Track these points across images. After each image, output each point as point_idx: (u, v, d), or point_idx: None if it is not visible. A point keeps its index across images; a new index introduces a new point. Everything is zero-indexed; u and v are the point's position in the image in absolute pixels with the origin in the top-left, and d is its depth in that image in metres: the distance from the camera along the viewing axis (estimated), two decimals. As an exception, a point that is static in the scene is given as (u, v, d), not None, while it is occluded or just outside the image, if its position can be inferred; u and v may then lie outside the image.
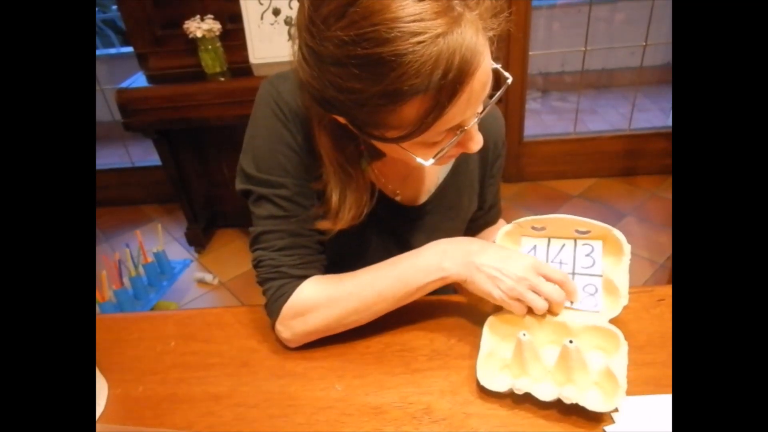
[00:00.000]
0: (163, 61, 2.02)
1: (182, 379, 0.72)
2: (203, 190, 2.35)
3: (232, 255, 2.27)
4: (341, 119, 0.59)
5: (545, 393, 0.61)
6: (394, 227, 0.80)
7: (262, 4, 1.81)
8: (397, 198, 0.79)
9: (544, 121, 3.17)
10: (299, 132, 0.68)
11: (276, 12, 1.81)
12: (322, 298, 0.70)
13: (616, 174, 2.54)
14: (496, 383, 0.63)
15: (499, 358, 0.67)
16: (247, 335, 0.78)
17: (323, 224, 0.70)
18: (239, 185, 0.73)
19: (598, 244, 0.71)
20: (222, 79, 1.87)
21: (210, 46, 1.82)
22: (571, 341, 0.60)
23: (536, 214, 0.73)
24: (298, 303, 0.70)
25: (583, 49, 2.45)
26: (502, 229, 0.73)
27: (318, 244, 0.74)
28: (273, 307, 0.72)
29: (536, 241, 0.73)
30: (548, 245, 0.73)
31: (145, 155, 2.71)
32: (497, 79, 0.57)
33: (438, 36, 0.47)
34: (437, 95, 0.50)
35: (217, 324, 0.81)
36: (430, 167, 0.78)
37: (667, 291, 0.79)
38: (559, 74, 3.52)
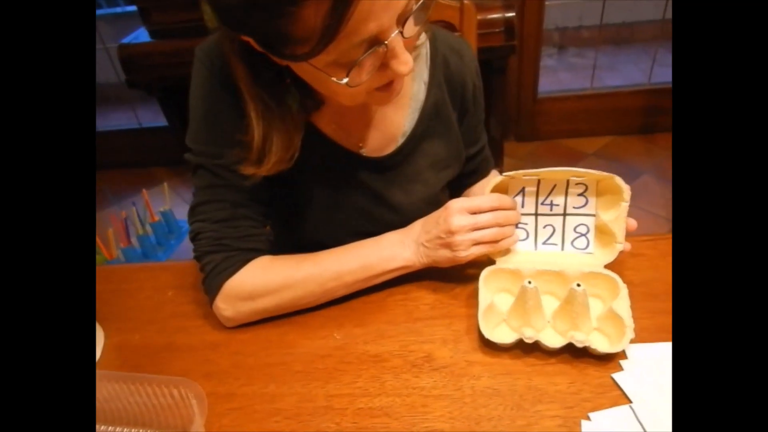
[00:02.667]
0: (166, 15, 1.96)
1: (180, 328, 0.71)
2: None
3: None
4: (251, 41, 0.53)
5: (554, 340, 0.59)
6: (366, 182, 0.75)
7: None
8: (363, 152, 0.73)
9: (560, 78, 3.06)
10: (235, 94, 0.62)
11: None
12: (276, 279, 0.67)
13: (635, 131, 2.45)
14: (501, 335, 0.60)
15: (497, 312, 0.64)
16: (245, 285, 0.76)
17: (246, 168, 0.63)
18: (186, 157, 0.68)
19: (591, 184, 0.66)
20: (225, 33, 1.81)
21: (212, -2, 1.75)
22: (578, 284, 0.57)
23: None
24: (247, 281, 0.66)
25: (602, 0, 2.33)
26: (492, 181, 0.68)
27: (263, 215, 0.71)
28: (213, 283, 0.66)
29: (525, 185, 0.68)
30: (538, 188, 0.67)
31: (154, 118, 2.68)
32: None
33: None
34: None
35: (215, 274, 0.79)
36: (393, 112, 0.73)
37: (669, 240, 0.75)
38: (576, 29, 3.38)
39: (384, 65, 0.53)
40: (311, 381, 0.61)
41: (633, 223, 0.66)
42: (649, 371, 0.56)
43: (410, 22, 0.52)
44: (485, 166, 0.89)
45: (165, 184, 1.81)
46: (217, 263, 0.67)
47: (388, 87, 0.58)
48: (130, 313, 0.75)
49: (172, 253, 1.80)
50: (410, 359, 0.62)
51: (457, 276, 0.71)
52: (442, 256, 0.65)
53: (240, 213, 0.68)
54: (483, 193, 0.68)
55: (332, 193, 0.74)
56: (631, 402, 0.53)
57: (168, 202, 1.81)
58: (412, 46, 0.55)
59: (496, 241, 0.66)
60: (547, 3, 2.17)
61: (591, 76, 2.55)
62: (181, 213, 2.13)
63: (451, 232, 0.64)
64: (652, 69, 2.43)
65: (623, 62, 3.12)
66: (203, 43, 0.67)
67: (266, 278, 0.67)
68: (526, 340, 0.58)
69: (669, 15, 2.40)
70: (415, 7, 0.51)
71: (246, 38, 0.53)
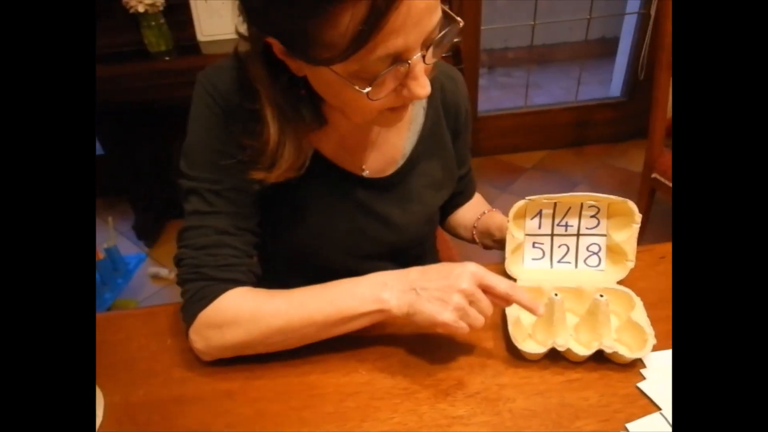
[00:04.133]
0: (100, 39, 1.85)
1: (187, 378, 0.67)
2: (151, 178, 2.20)
3: (187, 246, 2.16)
4: (276, 46, 0.54)
5: (579, 350, 0.62)
6: (366, 203, 0.76)
7: (208, -24, 1.69)
8: (365, 174, 0.75)
9: (491, 96, 3.21)
10: (236, 124, 0.64)
11: (224, -15, 1.71)
12: (245, 311, 0.63)
13: (567, 145, 2.62)
14: (533, 348, 0.63)
15: (522, 327, 0.66)
16: (252, 325, 0.73)
17: (257, 173, 0.64)
18: (178, 181, 0.68)
19: (603, 207, 0.71)
20: (167, 58, 1.74)
21: (153, 23, 1.68)
22: (601, 295, 0.61)
23: (495, 188, 0.74)
24: (219, 312, 0.64)
25: (532, 23, 2.48)
26: (514, 207, 0.71)
27: (249, 246, 0.69)
28: (189, 312, 0.65)
29: (542, 208, 0.73)
30: (554, 210, 0.73)
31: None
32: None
33: None
34: (372, 0, 0.45)
35: (215, 316, 0.75)
36: (394, 135, 0.76)
37: (666, 248, 0.81)
38: (503, 50, 3.57)
39: (402, 86, 0.55)
40: (346, 421, 0.60)
41: None
42: (668, 376, 0.60)
43: (432, 50, 0.54)
44: (471, 188, 0.93)
45: (110, 219, 1.69)
46: (193, 292, 0.65)
47: (398, 109, 0.60)
48: (126, 367, 0.69)
49: (121, 292, 1.68)
50: (442, 388, 0.62)
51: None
52: (429, 310, 0.60)
53: (223, 241, 0.66)
54: (474, 216, 0.71)
55: (333, 214, 0.75)
56: (660, 409, 0.57)
57: (113, 238, 1.69)
58: (429, 74, 0.57)
59: (469, 325, 0.61)
60: (482, 28, 2.29)
61: (522, 94, 2.70)
62: (125, 248, 2.00)
63: (456, 291, 0.59)
64: (578, 87, 2.62)
65: (546, 80, 3.33)
66: (206, 68, 0.67)
67: (236, 309, 0.64)
68: (559, 348, 0.61)
69: (591, 36, 2.60)
70: (438, 36, 0.53)
71: (270, 41, 0.54)
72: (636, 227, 0.69)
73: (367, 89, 0.52)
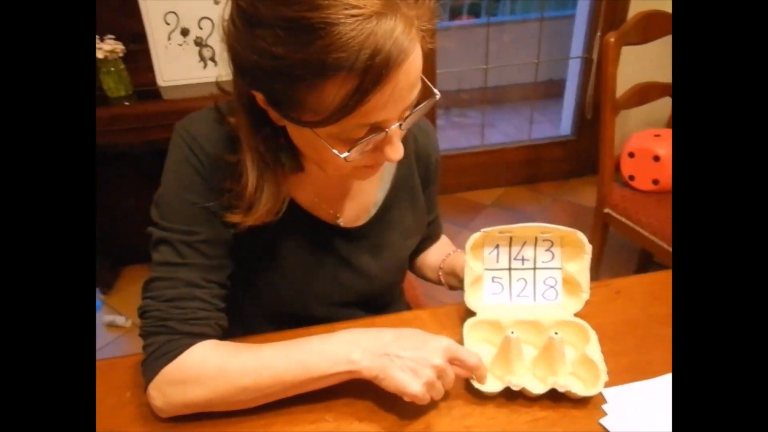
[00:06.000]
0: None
1: (150, 434, 0.65)
2: (106, 224, 2.14)
3: (144, 293, 2.09)
4: (260, 97, 0.56)
5: (537, 387, 0.63)
6: (339, 251, 0.78)
7: (168, 23, 1.70)
8: (339, 222, 0.77)
9: (449, 136, 3.32)
10: (213, 176, 0.65)
11: (185, 32, 1.72)
12: (209, 368, 0.62)
13: (522, 181, 2.71)
14: (488, 385, 0.64)
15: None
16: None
17: (234, 217, 0.64)
18: (149, 230, 0.68)
19: (556, 240, 0.75)
20: (127, 103, 1.73)
21: (112, 68, 1.67)
22: (556, 333, 0.64)
23: (456, 225, 0.77)
24: (182, 369, 0.62)
25: (485, 66, 2.60)
26: (470, 239, 0.74)
27: (218, 299, 0.67)
28: (151, 366, 0.62)
29: (499, 241, 0.76)
30: (510, 243, 0.75)
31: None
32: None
33: (372, 15, 0.46)
34: (362, 77, 0.48)
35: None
36: (368, 185, 0.78)
37: (622, 283, 0.85)
38: (456, 92, 3.71)
39: (377, 148, 0.58)
40: (315, 472, 0.59)
41: None
42: (630, 412, 0.62)
43: (408, 119, 0.57)
44: (438, 231, 0.95)
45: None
46: (157, 346, 0.63)
47: (372, 166, 0.63)
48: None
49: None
50: (410, 432, 0.62)
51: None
52: (399, 379, 0.59)
53: (192, 293, 0.65)
54: (439, 258, 0.72)
55: (307, 262, 0.76)
56: (621, 443, 0.59)
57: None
58: (402, 136, 0.60)
59: (431, 398, 0.62)
60: (438, 72, 2.38)
61: (476, 134, 2.80)
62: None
63: (429, 365, 0.60)
64: (531, 126, 2.74)
65: (499, 120, 3.47)
66: (184, 119, 0.67)
67: (200, 366, 0.62)
68: (513, 387, 0.63)
69: (540, 78, 2.75)
70: (415, 109, 0.56)
71: (255, 93, 0.56)
72: (587, 257, 0.72)
73: (345, 154, 0.55)
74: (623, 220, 1.62)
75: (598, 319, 0.76)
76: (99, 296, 2.08)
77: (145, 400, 0.68)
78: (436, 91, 0.59)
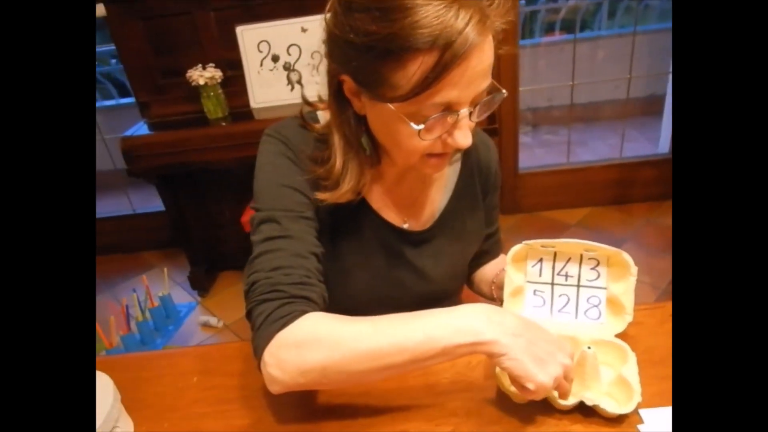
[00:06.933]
0: (164, 108, 2.07)
1: (205, 414, 0.72)
2: (205, 233, 2.36)
3: (236, 297, 2.27)
4: (347, 83, 0.64)
5: (566, 399, 0.63)
6: (404, 254, 0.83)
7: (261, 51, 1.88)
8: (405, 226, 0.82)
9: (536, 154, 3.24)
10: (306, 167, 0.72)
11: (275, 59, 1.88)
12: (326, 331, 0.60)
13: (610, 202, 2.58)
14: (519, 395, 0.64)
15: None
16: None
17: (322, 194, 0.71)
18: (249, 223, 0.73)
19: (602, 259, 0.73)
20: (224, 123, 1.92)
21: (212, 93, 1.87)
22: (589, 347, 0.63)
23: None
24: (297, 332, 0.61)
25: (571, 83, 2.53)
26: (512, 249, 0.75)
27: (318, 273, 0.69)
28: (265, 333, 0.61)
29: (543, 255, 0.75)
30: (554, 259, 0.75)
31: (143, 202, 2.74)
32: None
33: (454, 3, 0.54)
34: (440, 55, 0.54)
35: (236, 357, 0.81)
36: (433, 191, 0.83)
37: (678, 305, 0.81)
38: (547, 109, 3.62)
39: (447, 134, 0.63)
40: (344, 460, 0.63)
41: None
42: (665, 434, 0.60)
43: (478, 109, 0.62)
44: (497, 248, 0.97)
45: (165, 269, 1.83)
46: (270, 312, 0.62)
47: (440, 156, 0.68)
48: (154, 401, 0.76)
49: (170, 339, 1.79)
50: (438, 434, 0.64)
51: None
52: (528, 364, 0.56)
53: (297, 262, 0.66)
54: (495, 272, 0.74)
55: (375, 262, 0.81)
56: (652, 464, 0.57)
57: (166, 287, 1.82)
58: (471, 131, 0.65)
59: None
60: (521, 88, 2.36)
61: (566, 152, 2.71)
62: (179, 297, 2.13)
63: (560, 363, 0.58)
64: (622, 144, 2.61)
65: (592, 139, 3.33)
66: (270, 127, 0.76)
67: (317, 329, 0.61)
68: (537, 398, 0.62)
69: (632, 95, 2.62)
70: (484, 100, 0.62)
71: (344, 78, 0.64)
72: (632, 280, 0.70)
73: (421, 126, 0.61)
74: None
75: (646, 342, 0.74)
76: (196, 298, 2.28)
77: (207, 385, 0.77)
78: (503, 90, 0.64)
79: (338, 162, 0.70)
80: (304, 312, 0.62)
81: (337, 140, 0.70)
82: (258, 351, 0.62)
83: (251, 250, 0.69)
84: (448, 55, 0.54)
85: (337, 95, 0.68)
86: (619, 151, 2.62)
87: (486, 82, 0.60)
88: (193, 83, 1.86)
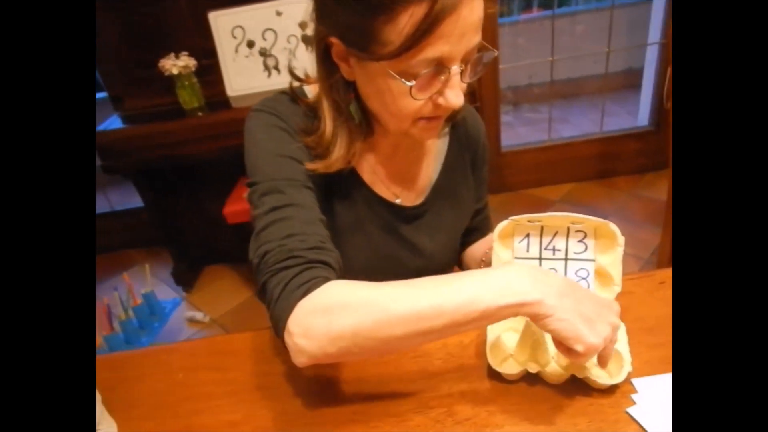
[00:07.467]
0: (138, 101, 2.01)
1: (195, 411, 0.71)
2: (187, 227, 2.32)
3: (222, 291, 2.24)
4: (336, 46, 0.62)
5: (557, 373, 0.62)
6: (395, 229, 0.82)
7: (235, 37, 1.83)
8: (398, 201, 0.81)
9: (519, 133, 3.24)
10: (300, 138, 0.70)
11: (250, 44, 1.84)
12: (357, 294, 0.55)
13: (593, 177, 2.60)
14: (507, 367, 0.64)
15: (504, 348, 0.68)
16: (257, 360, 0.77)
17: (312, 164, 0.68)
18: (248, 199, 0.69)
19: (589, 231, 0.72)
20: (200, 113, 1.87)
21: (186, 83, 1.82)
22: None
23: None
24: (324, 297, 0.56)
25: (551, 59, 2.52)
26: (498, 226, 0.74)
27: (329, 239, 0.64)
28: (286, 303, 0.56)
29: (530, 230, 0.74)
30: (541, 234, 0.73)
31: (122, 199, 2.68)
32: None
33: None
34: (432, 4, 0.53)
35: (224, 352, 0.80)
36: (424, 165, 0.82)
37: (667, 274, 0.80)
38: (527, 87, 3.62)
39: (438, 94, 0.61)
40: (338, 448, 0.61)
41: None
42: (659, 402, 0.59)
43: (469, 68, 0.61)
44: (486, 226, 0.96)
45: (147, 266, 1.79)
46: (289, 279, 0.57)
47: (431, 120, 0.66)
48: (139, 400, 0.74)
49: (156, 336, 1.76)
50: (432, 416, 0.63)
51: (464, 329, 0.74)
52: (578, 325, 0.52)
53: (309, 229, 0.62)
54: (483, 250, 0.73)
55: (370, 237, 0.80)
56: (648, 434, 0.56)
57: (150, 284, 1.78)
58: (462, 91, 0.62)
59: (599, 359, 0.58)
60: (501, 66, 2.34)
61: (548, 129, 2.71)
62: (163, 294, 2.10)
63: (609, 322, 0.55)
64: (602, 119, 2.62)
65: (574, 114, 3.34)
66: (259, 102, 0.74)
67: (345, 293, 0.56)
68: (531, 370, 0.63)
69: (611, 69, 2.62)
70: (475, 57, 0.61)
71: (332, 40, 0.62)
72: (620, 250, 0.69)
73: (412, 82, 0.59)
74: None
75: (638, 311, 0.73)
76: (180, 294, 2.25)
77: (194, 381, 0.75)
78: (493, 49, 0.62)
79: (328, 129, 0.69)
80: (327, 278, 0.57)
81: (326, 107, 0.69)
82: (280, 322, 0.56)
83: (253, 227, 0.64)
84: (438, 5, 0.53)
85: (324, 60, 0.66)
86: (599, 125, 2.63)
87: (477, 37, 0.59)
88: (167, 73, 1.80)
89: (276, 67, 1.86)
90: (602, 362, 0.58)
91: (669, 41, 2.29)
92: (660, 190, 2.43)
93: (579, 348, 0.53)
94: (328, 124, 0.69)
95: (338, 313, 0.54)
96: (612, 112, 3.05)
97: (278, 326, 0.57)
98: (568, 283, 0.56)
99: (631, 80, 3.22)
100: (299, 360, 0.56)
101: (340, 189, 0.76)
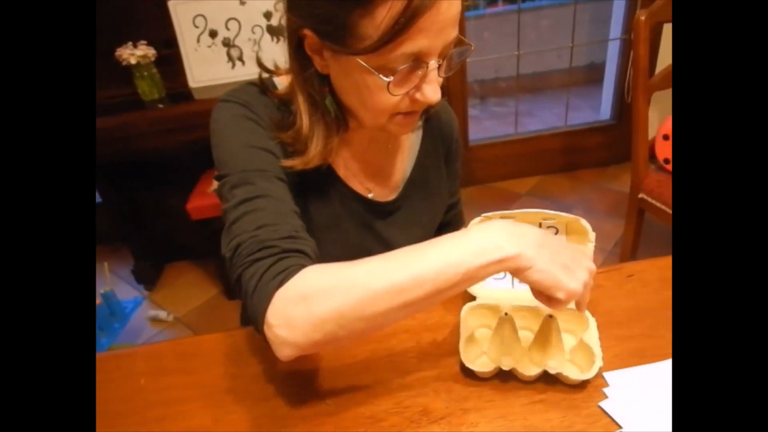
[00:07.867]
0: (96, 91, 1.92)
1: (161, 417, 0.68)
2: (148, 223, 2.25)
3: (185, 289, 2.18)
4: (309, 38, 0.60)
5: (529, 369, 0.62)
6: (370, 224, 0.81)
7: (197, 26, 1.77)
8: (370, 195, 0.80)
9: (485, 126, 3.27)
10: (271, 132, 0.68)
11: (213, 34, 1.78)
12: (334, 277, 0.54)
13: (559, 170, 2.64)
14: (481, 365, 0.64)
15: (477, 344, 0.68)
16: (225, 362, 0.74)
17: (290, 161, 0.67)
18: (217, 193, 0.67)
19: (561, 226, 0.73)
20: (161, 105, 1.80)
21: (146, 73, 1.75)
22: (550, 316, 0.62)
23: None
24: (299, 285, 0.54)
25: (517, 53, 2.55)
26: (471, 223, 0.73)
27: (303, 229, 0.63)
28: (262, 295, 0.54)
29: None
30: None
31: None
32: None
33: None
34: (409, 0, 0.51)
35: (190, 354, 0.77)
36: (398, 160, 0.81)
37: (634, 267, 0.82)
38: (493, 81, 3.65)
39: (416, 89, 0.60)
40: (311, 452, 0.60)
41: None
42: (631, 395, 0.60)
43: (446, 63, 0.60)
44: (459, 220, 0.96)
45: (105, 264, 1.72)
46: (264, 270, 0.55)
47: (408, 115, 0.64)
48: (101, 408, 0.70)
49: (116, 337, 1.70)
50: (407, 415, 0.62)
51: (438, 324, 0.74)
52: (557, 273, 0.54)
53: (282, 219, 0.60)
54: None
55: (345, 236, 0.79)
56: (621, 427, 0.57)
57: (109, 283, 1.72)
58: (439, 85, 0.61)
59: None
60: (468, 60, 2.35)
61: (514, 123, 2.74)
62: (123, 293, 2.03)
63: (586, 267, 0.58)
64: (566, 112, 2.66)
65: (539, 108, 3.39)
66: (225, 92, 0.71)
67: (322, 277, 0.54)
68: (504, 368, 0.63)
69: (574, 64, 2.66)
70: (452, 52, 0.59)
71: (306, 32, 0.60)
72: (591, 246, 0.70)
73: (390, 78, 0.57)
74: (658, 205, 1.55)
75: (607, 304, 0.74)
76: (143, 293, 2.18)
77: (158, 386, 0.72)
78: (470, 43, 0.61)
79: (305, 124, 0.67)
80: (302, 266, 0.55)
81: (301, 101, 0.67)
82: (258, 316, 0.54)
83: (224, 220, 0.62)
84: (416, 1, 0.51)
85: (297, 52, 0.64)
86: (564, 119, 2.67)
87: (455, 31, 0.58)
88: (124, 63, 1.73)
89: (240, 58, 1.81)
90: (580, 307, 0.60)
91: (629, 37, 2.34)
92: (622, 182, 2.49)
93: (560, 295, 0.55)
94: (304, 119, 0.67)
95: (318, 298, 0.52)
96: (575, 107, 3.10)
97: (257, 320, 0.55)
98: (542, 234, 0.57)
99: (593, 75, 3.28)
100: (283, 353, 0.54)
101: (314, 185, 0.74)
